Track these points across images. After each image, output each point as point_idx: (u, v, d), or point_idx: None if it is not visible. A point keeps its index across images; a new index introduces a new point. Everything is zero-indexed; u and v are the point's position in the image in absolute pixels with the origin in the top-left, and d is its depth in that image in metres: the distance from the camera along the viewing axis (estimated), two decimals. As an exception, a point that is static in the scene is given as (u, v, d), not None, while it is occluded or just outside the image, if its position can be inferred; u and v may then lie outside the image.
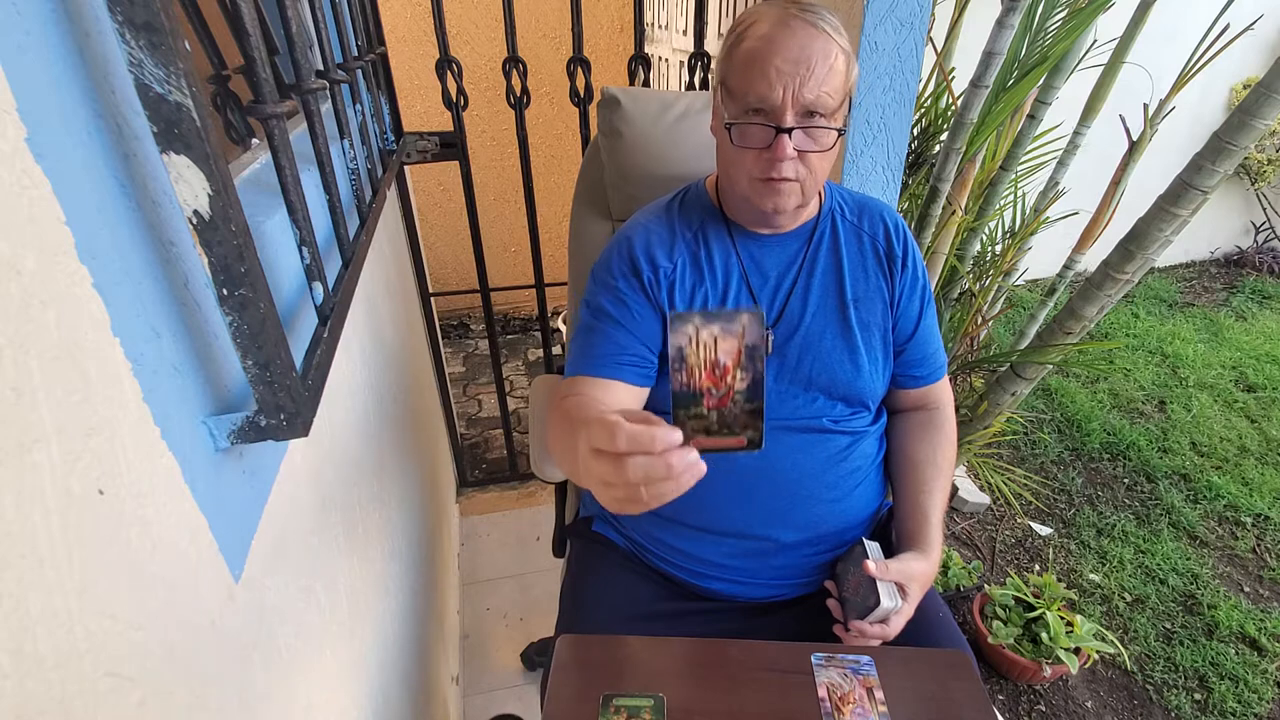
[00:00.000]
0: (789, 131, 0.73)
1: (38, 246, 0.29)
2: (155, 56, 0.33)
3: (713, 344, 0.46)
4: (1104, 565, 1.85)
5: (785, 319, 0.86)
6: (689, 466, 0.46)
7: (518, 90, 1.46)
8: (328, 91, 0.76)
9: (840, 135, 0.76)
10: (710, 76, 1.58)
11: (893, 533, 0.91)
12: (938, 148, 1.60)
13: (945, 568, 1.72)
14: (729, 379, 0.46)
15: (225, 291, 0.40)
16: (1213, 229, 3.78)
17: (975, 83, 1.36)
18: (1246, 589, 1.80)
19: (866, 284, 0.87)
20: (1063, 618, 1.48)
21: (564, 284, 1.37)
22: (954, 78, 1.57)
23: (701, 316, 0.45)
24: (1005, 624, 1.52)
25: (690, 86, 1.53)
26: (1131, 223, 1.30)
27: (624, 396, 0.83)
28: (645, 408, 0.89)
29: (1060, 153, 1.64)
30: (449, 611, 1.54)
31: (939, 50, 1.54)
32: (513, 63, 1.43)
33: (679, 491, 0.47)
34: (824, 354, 0.85)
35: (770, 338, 0.86)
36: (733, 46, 0.76)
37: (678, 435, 0.46)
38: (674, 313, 0.46)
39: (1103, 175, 1.57)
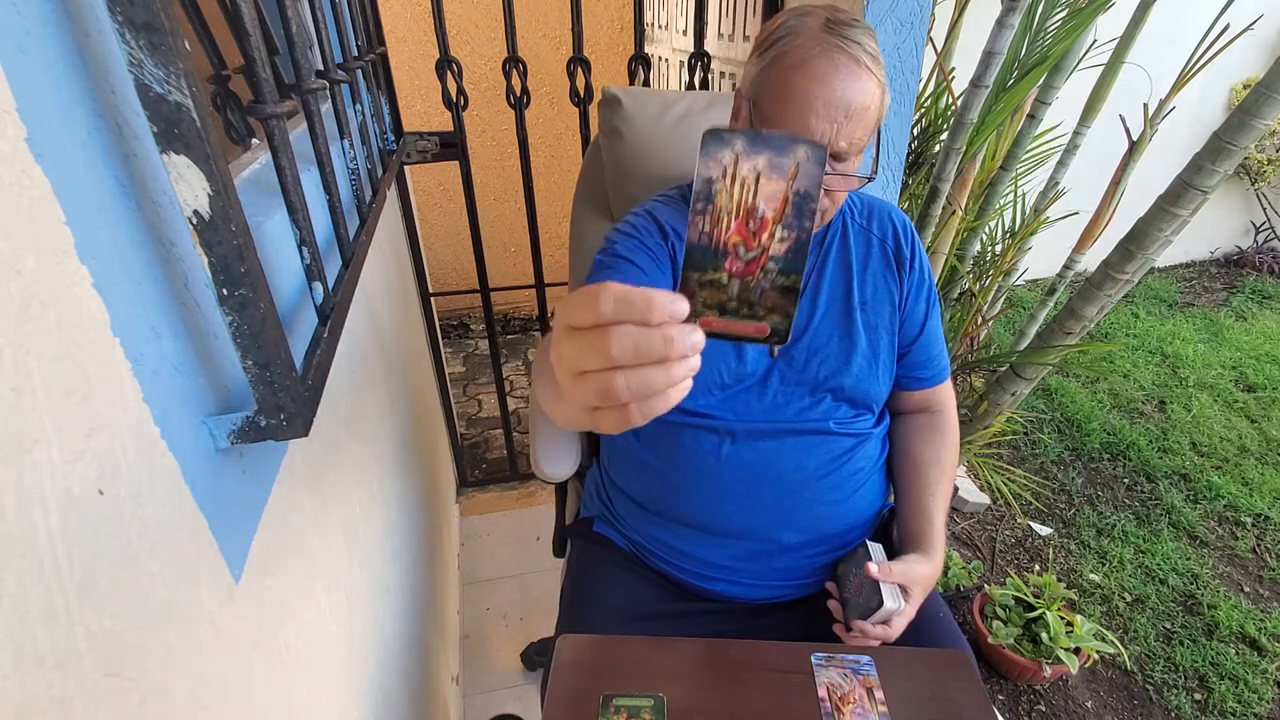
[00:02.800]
0: None
1: (38, 246, 0.29)
2: (155, 56, 0.33)
3: (753, 182, 0.34)
4: (1104, 565, 1.85)
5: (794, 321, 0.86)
6: (690, 348, 0.34)
7: (518, 90, 1.46)
8: (328, 91, 0.76)
9: (870, 179, 0.75)
10: (712, 82, 1.58)
11: (894, 533, 0.91)
12: (938, 148, 1.60)
13: (945, 568, 1.72)
14: (764, 237, 0.34)
15: (225, 291, 0.40)
16: (1213, 229, 3.78)
17: (975, 83, 1.36)
18: (1246, 589, 1.80)
19: (875, 286, 0.87)
20: (1063, 618, 1.48)
21: (564, 284, 1.37)
22: (954, 78, 1.57)
23: (746, 139, 0.33)
24: (1005, 624, 1.52)
25: (690, 86, 1.53)
26: (1131, 223, 1.30)
27: None
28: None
29: (1060, 152, 1.64)
30: (449, 611, 1.54)
31: (939, 50, 1.54)
32: (513, 63, 1.43)
33: (672, 396, 0.34)
34: (831, 356, 0.85)
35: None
36: (770, 65, 0.72)
37: (683, 304, 0.34)
38: (711, 129, 0.34)
39: (1103, 175, 1.57)
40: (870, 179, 0.75)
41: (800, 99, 0.69)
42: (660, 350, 0.33)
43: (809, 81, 0.69)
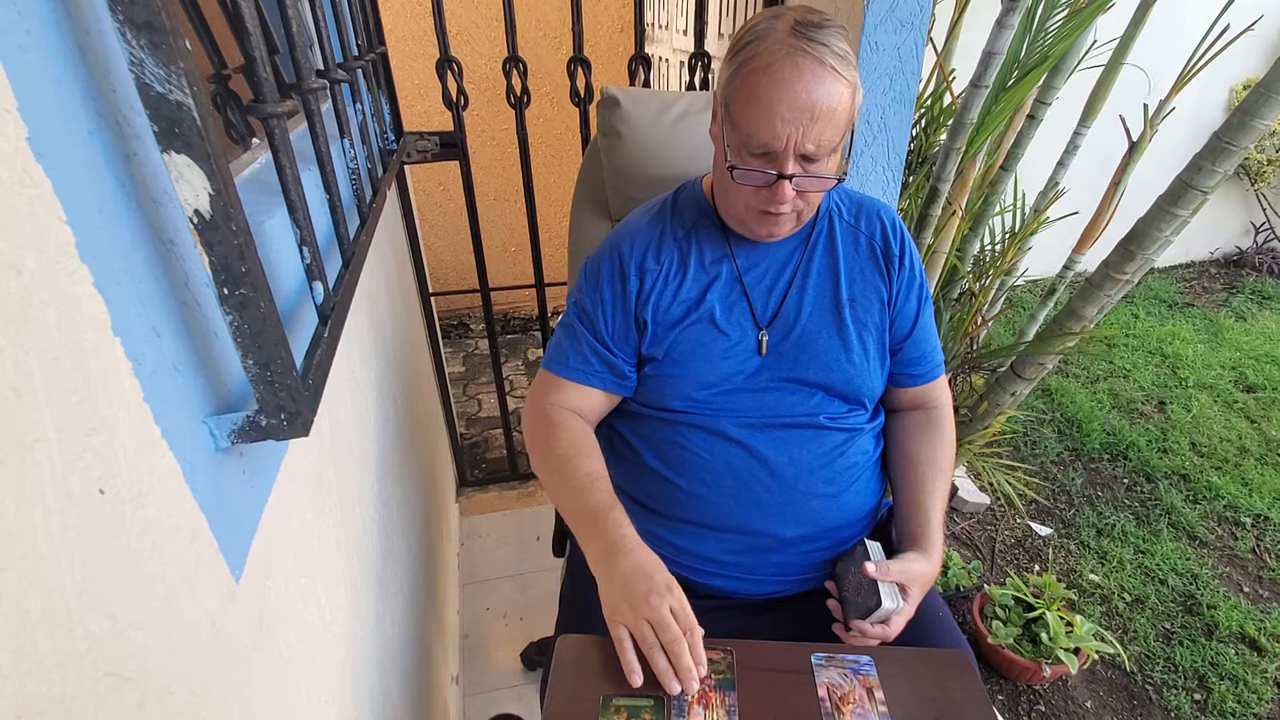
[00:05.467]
0: (790, 177, 0.74)
1: (38, 246, 0.29)
2: (156, 56, 0.33)
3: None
4: (1104, 565, 1.85)
5: (781, 318, 0.86)
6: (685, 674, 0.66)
7: (518, 90, 1.46)
8: (328, 91, 0.76)
9: (840, 180, 0.77)
10: (713, 82, 1.58)
11: (893, 532, 0.91)
12: (938, 148, 1.60)
13: (945, 568, 1.72)
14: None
15: (226, 291, 0.40)
16: (1213, 229, 3.78)
17: (975, 83, 1.36)
18: (1246, 589, 1.80)
19: (863, 284, 0.88)
20: (1062, 618, 1.48)
21: (564, 284, 1.37)
22: (954, 78, 1.57)
23: None
24: (1005, 624, 1.52)
25: (690, 86, 1.53)
26: (1131, 223, 1.30)
27: (597, 401, 0.89)
28: (629, 401, 0.92)
29: (1060, 152, 1.64)
30: (449, 611, 1.54)
31: (939, 50, 1.54)
32: (513, 62, 1.43)
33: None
34: (820, 353, 0.85)
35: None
36: (737, 70, 0.73)
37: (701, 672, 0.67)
38: None
39: (1103, 175, 1.57)
40: (840, 180, 0.77)
41: (766, 103, 0.71)
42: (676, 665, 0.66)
43: (774, 86, 0.70)
